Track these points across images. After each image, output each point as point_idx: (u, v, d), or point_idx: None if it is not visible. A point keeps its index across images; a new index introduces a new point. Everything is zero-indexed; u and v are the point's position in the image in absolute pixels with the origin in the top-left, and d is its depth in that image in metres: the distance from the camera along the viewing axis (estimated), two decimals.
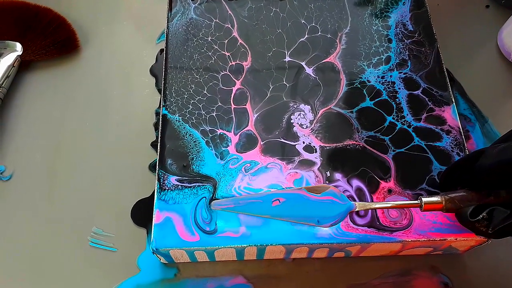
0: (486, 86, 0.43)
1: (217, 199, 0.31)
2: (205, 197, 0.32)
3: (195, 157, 0.33)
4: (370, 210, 0.32)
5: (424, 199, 0.28)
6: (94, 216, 0.36)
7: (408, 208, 0.31)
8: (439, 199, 0.28)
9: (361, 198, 0.32)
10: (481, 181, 0.27)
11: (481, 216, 0.27)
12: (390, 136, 0.34)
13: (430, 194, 0.32)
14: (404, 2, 0.41)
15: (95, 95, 0.41)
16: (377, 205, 0.29)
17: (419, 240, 0.31)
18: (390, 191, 0.32)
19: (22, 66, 0.41)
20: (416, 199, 0.28)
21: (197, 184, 0.32)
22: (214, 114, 0.35)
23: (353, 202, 0.29)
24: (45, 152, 0.38)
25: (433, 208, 0.28)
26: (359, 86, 0.37)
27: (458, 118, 0.35)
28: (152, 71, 0.42)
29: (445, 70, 0.37)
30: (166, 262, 0.34)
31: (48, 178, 0.37)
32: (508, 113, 0.42)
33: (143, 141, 0.39)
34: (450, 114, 0.35)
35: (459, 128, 0.35)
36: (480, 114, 0.41)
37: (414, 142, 0.34)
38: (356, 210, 0.29)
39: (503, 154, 0.26)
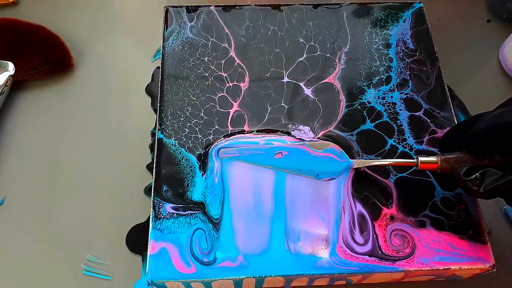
0: (488, 102, 0.42)
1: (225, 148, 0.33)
2: (202, 229, 0.31)
3: (190, 183, 0.32)
4: (370, 237, 0.31)
5: (421, 158, 0.30)
6: (88, 242, 0.35)
7: (405, 165, 0.32)
8: (435, 159, 0.29)
9: (363, 225, 0.31)
10: (476, 144, 0.28)
11: (474, 176, 0.28)
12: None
13: (434, 218, 0.31)
14: (404, 19, 0.40)
15: (90, 115, 0.40)
16: (376, 163, 0.31)
17: (422, 270, 0.30)
18: (392, 217, 0.32)
19: (15, 86, 0.40)
20: (413, 158, 0.30)
21: (190, 212, 0.31)
22: (211, 138, 0.34)
23: (352, 160, 0.32)
24: (38, 175, 0.37)
25: (429, 167, 0.29)
26: (359, 107, 0.36)
27: None
28: (148, 90, 0.41)
29: (447, 90, 0.37)
30: None
31: (41, 203, 0.36)
32: None
33: (138, 164, 0.38)
34: None
35: None
36: None
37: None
38: (355, 167, 0.32)
39: (498, 118, 0.27)
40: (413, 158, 0.32)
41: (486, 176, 0.27)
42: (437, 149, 0.34)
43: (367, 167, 0.33)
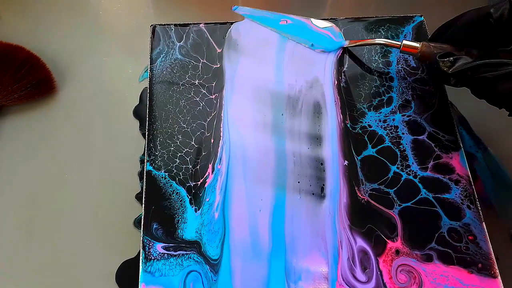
0: (490, 116, 0.41)
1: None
2: (197, 271, 0.29)
3: (180, 220, 0.30)
4: (374, 274, 0.29)
5: (404, 41, 0.33)
6: (75, 281, 0.33)
7: (389, 46, 0.36)
8: (418, 44, 0.33)
9: (365, 261, 0.29)
10: (458, 35, 0.32)
11: (447, 58, 0.31)
12: (395, 189, 0.32)
13: (441, 251, 0.30)
14: (405, 35, 0.38)
15: (74, 141, 0.38)
16: (366, 42, 0.36)
17: None
18: (397, 252, 0.30)
19: None
20: (398, 42, 0.34)
21: (182, 252, 0.29)
22: (198, 167, 0.32)
23: (346, 40, 0.36)
24: (19, 207, 0.35)
25: (410, 51, 0.33)
26: (360, 131, 0.34)
27: (467, 166, 0.33)
28: (136, 113, 0.39)
29: (451, 111, 0.35)
30: None
31: (22, 238, 0.34)
32: None
33: (127, 193, 0.36)
34: (459, 161, 0.33)
35: (469, 177, 0.32)
36: (487, 151, 0.39)
37: (421, 195, 0.32)
38: (347, 46, 0.36)
39: (479, 11, 0.30)
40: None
41: (458, 61, 0.30)
42: (442, 176, 0.32)
43: (370, 196, 0.31)
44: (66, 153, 0.37)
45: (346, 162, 0.32)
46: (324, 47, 0.36)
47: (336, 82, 0.35)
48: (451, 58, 0.31)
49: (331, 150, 0.33)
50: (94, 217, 0.35)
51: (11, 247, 0.34)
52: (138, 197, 0.35)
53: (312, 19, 0.37)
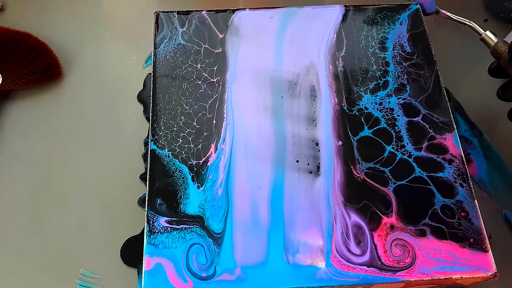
0: (485, 104, 0.42)
1: None
2: (199, 244, 0.30)
3: (182, 195, 0.31)
4: (368, 248, 0.30)
5: (487, 32, 0.38)
6: (82, 256, 0.34)
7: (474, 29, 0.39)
8: (495, 39, 0.38)
9: (359, 236, 0.30)
10: None
11: None
12: (390, 168, 0.33)
13: (434, 227, 0.31)
14: (401, 22, 0.39)
15: (80, 125, 0.39)
16: (456, 18, 0.40)
17: (423, 280, 0.30)
18: (392, 227, 0.31)
19: (2, 96, 0.39)
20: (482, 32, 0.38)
21: (184, 226, 0.30)
22: (200, 147, 0.33)
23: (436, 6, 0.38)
24: (28, 187, 0.36)
25: (487, 42, 0.38)
26: (357, 113, 0.35)
27: (460, 147, 0.34)
28: (140, 98, 0.40)
29: (445, 94, 0.36)
30: None
31: (31, 216, 0.35)
32: (508, 131, 0.40)
33: (131, 174, 0.37)
34: (452, 142, 0.34)
35: (462, 157, 0.34)
36: (482, 135, 0.40)
37: (415, 174, 0.33)
38: (438, 10, 0.39)
39: None
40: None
41: None
42: (435, 155, 0.33)
43: (366, 175, 0.32)
44: (72, 136, 0.39)
45: (340, 143, 0.34)
46: None
47: (331, 67, 0.36)
48: None
49: (325, 131, 0.34)
50: (100, 197, 0.36)
51: (20, 226, 0.35)
52: (142, 177, 0.37)
53: None
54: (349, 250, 0.30)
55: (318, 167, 0.33)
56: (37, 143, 0.38)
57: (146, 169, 0.37)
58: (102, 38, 0.43)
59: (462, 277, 0.30)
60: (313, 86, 0.36)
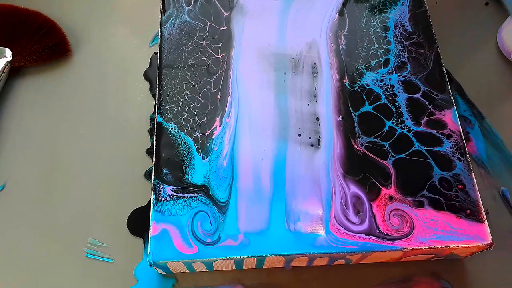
0: (485, 86, 0.42)
1: None
2: (204, 211, 0.31)
3: (187, 166, 0.32)
4: (367, 217, 0.31)
5: None
6: (89, 226, 0.35)
7: None
8: None
9: (358, 205, 0.31)
10: None
11: None
12: (389, 142, 0.34)
13: (432, 198, 0.32)
14: (402, 2, 0.40)
15: (88, 101, 0.40)
16: None
17: (420, 248, 0.30)
18: (391, 198, 0.32)
19: (12, 72, 0.40)
20: None
21: (190, 195, 0.31)
22: (205, 120, 0.34)
23: None
24: (38, 161, 0.38)
25: None
26: (358, 90, 0.36)
27: (459, 122, 0.35)
28: (146, 76, 0.41)
29: (445, 72, 0.37)
30: (164, 273, 0.33)
31: (41, 188, 0.37)
32: (508, 112, 0.41)
33: (138, 148, 0.38)
34: (451, 118, 0.35)
35: (460, 132, 0.34)
36: (481, 115, 0.41)
37: (415, 148, 0.34)
38: None
39: None
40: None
41: None
42: (434, 130, 0.34)
43: (366, 148, 0.33)
44: (80, 111, 0.40)
45: (340, 118, 0.34)
46: None
47: (332, 44, 0.37)
48: None
49: (325, 106, 0.35)
50: (107, 170, 0.37)
51: (31, 197, 0.36)
52: (149, 151, 0.38)
53: None
54: (347, 219, 0.31)
55: (319, 141, 0.34)
56: (46, 118, 0.39)
57: (152, 144, 0.38)
58: (110, 18, 0.44)
59: (458, 246, 0.31)
60: (315, 63, 0.37)
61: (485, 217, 0.32)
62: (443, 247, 0.31)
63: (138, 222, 0.35)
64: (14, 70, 0.40)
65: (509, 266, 0.35)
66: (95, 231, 0.35)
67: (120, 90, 0.41)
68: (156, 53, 0.42)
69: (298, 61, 0.37)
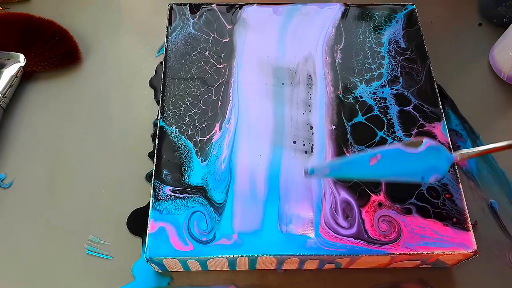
0: (477, 103, 0.44)
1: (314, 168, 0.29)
2: (201, 212, 0.32)
3: (186, 168, 0.34)
4: (356, 222, 0.32)
5: None
6: (91, 224, 0.37)
7: (506, 149, 0.28)
8: None
9: (347, 211, 0.33)
10: None
11: None
12: None
13: (420, 206, 0.33)
14: (397, 20, 0.42)
15: (96, 105, 0.42)
16: (477, 150, 0.29)
17: (407, 254, 0.32)
18: (380, 204, 0.33)
19: (25, 77, 0.43)
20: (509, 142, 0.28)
21: (187, 195, 0.33)
22: (204, 125, 0.36)
23: (453, 153, 0.29)
24: (45, 161, 0.39)
25: None
26: (352, 101, 0.38)
27: (448, 134, 0.36)
28: (151, 83, 0.43)
29: (436, 87, 0.38)
30: (160, 271, 0.35)
31: (47, 186, 0.38)
32: (499, 129, 0.42)
33: (140, 152, 0.40)
34: (440, 130, 0.36)
35: (449, 144, 0.36)
36: (472, 130, 0.42)
37: None
38: (457, 160, 0.29)
39: None
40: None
41: None
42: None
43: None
44: (88, 116, 0.42)
45: (332, 127, 0.36)
46: (434, 170, 0.29)
47: (327, 58, 0.39)
48: None
49: (318, 116, 0.37)
50: (111, 171, 0.39)
51: (37, 195, 0.38)
52: (151, 155, 0.39)
53: (402, 143, 0.29)
54: (337, 223, 0.32)
55: (312, 148, 0.35)
56: (55, 120, 0.41)
57: (154, 147, 0.39)
58: (119, 28, 0.46)
59: (444, 252, 0.32)
60: (310, 75, 0.38)
61: (470, 225, 0.33)
62: (429, 253, 0.32)
63: (138, 222, 0.37)
64: (27, 74, 0.43)
65: (496, 276, 0.36)
66: (96, 229, 0.37)
67: (126, 96, 0.43)
68: (161, 62, 0.44)
69: (295, 73, 0.39)
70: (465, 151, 0.29)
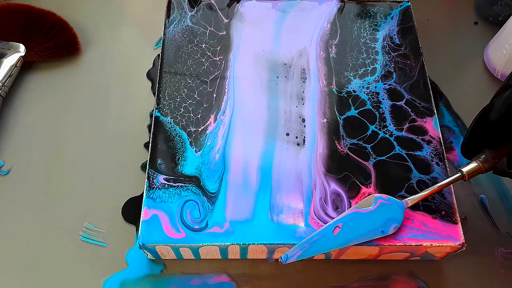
0: (471, 100, 0.44)
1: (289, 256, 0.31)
2: (194, 200, 0.33)
3: (180, 158, 0.35)
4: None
5: (465, 169, 0.31)
6: (86, 211, 0.37)
7: (452, 183, 0.32)
8: (476, 164, 0.31)
9: (337, 202, 0.33)
10: (500, 135, 0.30)
11: None
12: (372, 144, 0.36)
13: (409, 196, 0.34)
14: (392, 17, 0.42)
15: (94, 96, 0.43)
16: (425, 193, 0.32)
17: (395, 245, 0.32)
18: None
19: (25, 67, 0.43)
20: (457, 173, 0.32)
21: (180, 184, 0.34)
22: (199, 116, 0.37)
23: (403, 200, 0.32)
24: (43, 149, 0.40)
25: (475, 174, 0.31)
26: (345, 95, 0.38)
27: (439, 129, 0.37)
28: (149, 75, 0.44)
29: (429, 82, 0.39)
30: (153, 258, 0.35)
31: (44, 174, 0.39)
32: None
33: (137, 142, 0.40)
34: (432, 125, 0.37)
35: (440, 139, 0.36)
36: (464, 126, 0.42)
37: (395, 151, 0.36)
38: (409, 206, 0.32)
39: (506, 101, 0.28)
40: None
41: None
42: (415, 136, 0.36)
43: (349, 149, 0.35)
44: (86, 106, 0.42)
45: (324, 120, 0.37)
46: (391, 221, 0.32)
47: (322, 52, 0.40)
48: None
49: (310, 109, 0.37)
50: (107, 161, 0.40)
51: (34, 183, 0.39)
52: (146, 145, 0.40)
53: (355, 206, 0.32)
54: (326, 214, 0.33)
55: (304, 140, 0.36)
56: (53, 110, 0.42)
57: (150, 138, 0.40)
58: (118, 20, 0.47)
59: (432, 244, 0.32)
60: (304, 69, 0.39)
61: (459, 219, 0.33)
62: (418, 245, 0.32)
63: (132, 211, 0.37)
64: (26, 64, 0.43)
65: (483, 269, 0.36)
66: (91, 216, 0.37)
67: (124, 87, 0.43)
68: (159, 55, 0.44)
69: (290, 66, 0.39)
70: (413, 196, 0.33)
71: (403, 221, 0.32)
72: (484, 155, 0.31)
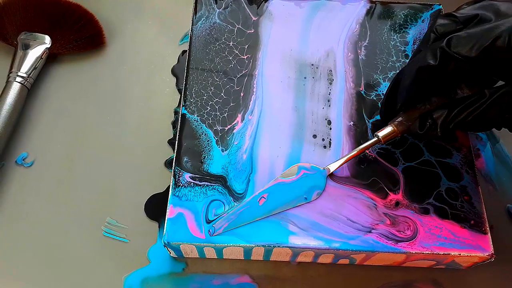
0: None
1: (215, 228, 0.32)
2: (220, 200, 0.33)
3: (206, 156, 0.34)
4: None
5: (380, 134, 0.32)
6: (109, 207, 0.37)
7: (370, 147, 0.34)
8: (391, 128, 0.32)
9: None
10: (411, 98, 0.31)
11: (427, 124, 0.30)
12: (401, 150, 0.35)
13: (437, 206, 0.33)
14: (423, 20, 0.42)
15: (118, 90, 0.43)
16: (345, 158, 0.33)
17: (422, 253, 0.32)
18: (397, 203, 0.33)
19: (50, 58, 0.43)
20: (374, 137, 0.33)
21: (206, 183, 0.33)
22: (226, 115, 0.36)
23: (324, 167, 0.33)
24: (67, 142, 0.40)
25: (391, 137, 0.32)
26: (374, 98, 0.37)
27: (469, 138, 0.36)
28: (174, 71, 0.44)
29: None
30: (176, 256, 0.35)
31: (67, 167, 0.39)
32: None
33: (160, 138, 0.40)
34: (462, 133, 0.36)
35: (470, 147, 0.36)
36: (492, 134, 0.42)
37: (424, 157, 0.35)
38: (331, 172, 0.33)
39: (415, 65, 0.29)
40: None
41: (435, 118, 0.30)
42: (445, 143, 0.36)
43: (378, 154, 0.35)
44: (110, 100, 0.42)
45: (351, 123, 0.36)
46: (314, 188, 0.33)
47: (349, 54, 0.39)
48: (429, 121, 0.30)
49: (336, 111, 0.37)
50: (130, 156, 0.39)
51: (57, 176, 0.39)
52: (170, 142, 0.40)
53: (279, 177, 0.33)
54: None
55: (330, 143, 0.35)
56: (77, 103, 0.42)
57: (174, 135, 0.40)
58: (144, 14, 0.47)
59: (460, 254, 0.32)
60: (330, 70, 0.38)
61: (488, 229, 0.33)
62: (445, 254, 0.32)
63: (155, 207, 0.37)
64: (52, 56, 0.43)
65: (509, 280, 0.35)
66: (114, 212, 0.37)
67: (148, 83, 0.43)
68: (184, 51, 0.44)
69: (317, 67, 0.39)
70: (333, 163, 0.34)
71: (325, 187, 0.33)
72: (398, 119, 0.32)
